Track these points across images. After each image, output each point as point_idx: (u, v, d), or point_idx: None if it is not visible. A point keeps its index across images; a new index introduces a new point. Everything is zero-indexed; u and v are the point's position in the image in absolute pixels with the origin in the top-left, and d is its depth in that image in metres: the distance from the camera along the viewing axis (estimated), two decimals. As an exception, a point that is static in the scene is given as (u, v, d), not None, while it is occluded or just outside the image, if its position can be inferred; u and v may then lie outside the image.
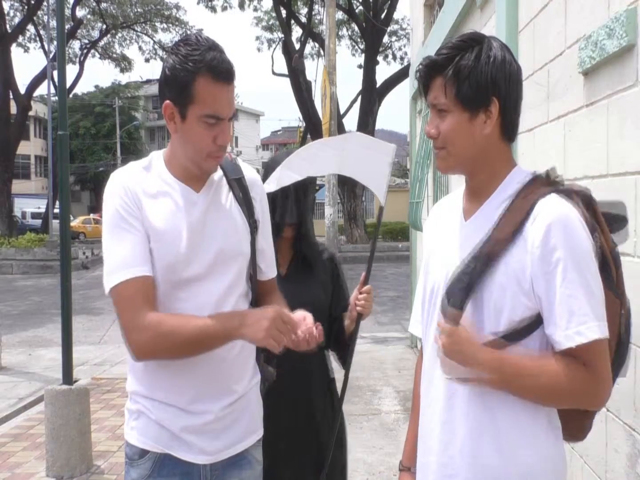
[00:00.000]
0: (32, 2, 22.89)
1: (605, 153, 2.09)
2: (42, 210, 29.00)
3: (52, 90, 21.52)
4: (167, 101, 1.46)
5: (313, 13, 23.61)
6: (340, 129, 17.11)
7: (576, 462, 2.39)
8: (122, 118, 44.00)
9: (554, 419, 1.31)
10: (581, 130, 2.31)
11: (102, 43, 29.66)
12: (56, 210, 18.49)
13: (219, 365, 1.54)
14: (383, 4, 22.28)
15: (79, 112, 45.42)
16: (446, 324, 1.28)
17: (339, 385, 2.24)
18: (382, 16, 22.05)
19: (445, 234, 1.43)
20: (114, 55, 30.39)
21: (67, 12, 23.31)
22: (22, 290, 13.70)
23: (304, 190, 2.19)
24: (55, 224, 19.60)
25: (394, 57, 28.80)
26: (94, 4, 26.92)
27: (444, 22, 5.16)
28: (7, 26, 22.60)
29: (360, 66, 24.40)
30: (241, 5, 24.74)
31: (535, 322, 1.26)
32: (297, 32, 25.23)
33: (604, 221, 1.31)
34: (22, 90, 22.96)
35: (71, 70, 40.55)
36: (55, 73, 6.41)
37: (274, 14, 24.73)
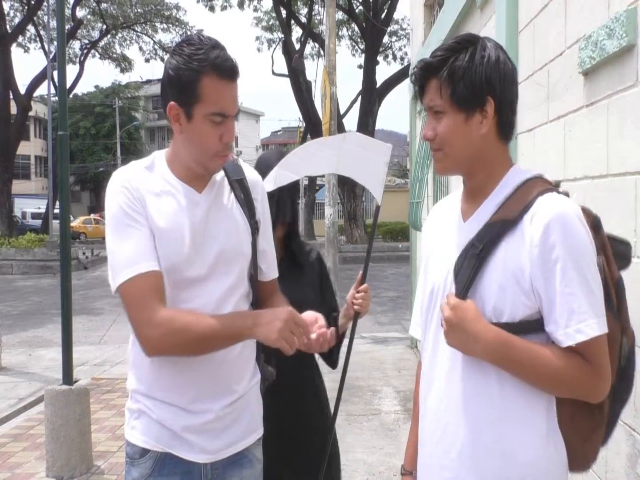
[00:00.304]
0: (32, 2, 22.89)
1: (605, 153, 2.09)
2: (42, 210, 29.00)
3: (52, 90, 21.52)
4: (172, 102, 1.46)
5: (313, 13, 23.62)
6: (340, 129, 17.10)
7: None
8: (122, 118, 44.00)
9: (552, 420, 1.30)
10: (581, 130, 2.31)
11: (102, 43, 29.67)
12: (56, 211, 18.49)
13: (219, 365, 1.55)
14: (383, 4, 22.28)
15: (79, 112, 45.43)
16: (454, 297, 1.28)
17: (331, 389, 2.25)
18: (382, 16, 22.05)
19: (443, 235, 1.44)
20: (114, 56, 30.39)
21: (67, 12, 23.31)
22: (22, 291, 13.69)
23: (297, 190, 2.23)
24: (55, 224, 19.61)
25: (394, 57, 28.82)
26: (94, 4, 26.92)
27: (444, 22, 5.16)
28: (7, 26, 22.59)
29: (360, 66, 24.41)
30: (240, 5, 24.75)
31: (537, 322, 1.26)
32: (297, 32, 25.26)
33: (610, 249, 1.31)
34: (22, 90, 22.96)
35: (71, 71, 40.63)
36: (55, 73, 6.42)
37: (274, 14, 24.73)
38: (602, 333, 1.21)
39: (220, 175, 1.62)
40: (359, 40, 27.34)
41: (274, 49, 27.53)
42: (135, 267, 1.43)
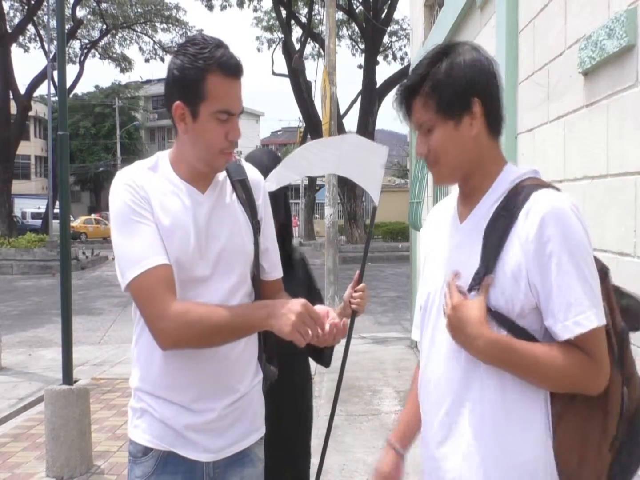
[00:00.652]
0: (32, 2, 22.89)
1: (605, 153, 2.09)
2: (42, 210, 29.00)
3: (52, 90, 21.51)
4: (178, 101, 1.47)
5: (313, 13, 23.63)
6: (340, 129, 17.11)
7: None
8: (122, 118, 44.01)
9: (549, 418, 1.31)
10: (581, 130, 2.31)
11: (102, 43, 29.68)
12: (56, 211, 18.50)
13: (222, 363, 1.56)
14: (383, 4, 22.27)
15: (79, 112, 45.45)
16: (456, 295, 1.28)
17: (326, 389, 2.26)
18: (382, 16, 22.04)
19: (441, 237, 1.44)
20: (114, 55, 30.40)
21: (67, 12, 23.30)
22: (22, 291, 13.70)
23: (288, 189, 2.27)
24: (55, 224, 19.60)
25: (394, 57, 28.85)
26: (94, 4, 26.93)
27: (444, 22, 5.16)
28: (7, 26, 22.59)
29: (360, 66, 24.42)
30: (240, 4, 24.74)
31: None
32: (297, 32, 25.27)
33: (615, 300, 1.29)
34: (22, 90, 22.96)
35: (71, 70, 40.66)
36: (55, 73, 6.42)
37: (274, 14, 24.74)
38: (601, 325, 1.21)
39: (222, 175, 1.63)
40: (359, 40, 27.35)
41: (274, 49, 27.59)
42: (146, 261, 1.44)
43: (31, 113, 27.22)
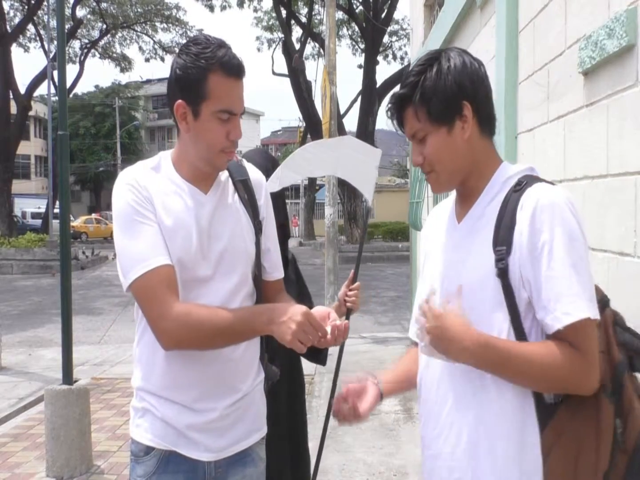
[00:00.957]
0: (32, 2, 22.88)
1: (605, 153, 2.09)
2: (42, 210, 28.99)
3: (52, 90, 21.51)
4: (179, 100, 1.48)
5: (313, 13, 23.64)
6: (341, 129, 17.10)
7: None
8: (122, 118, 44.00)
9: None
10: (581, 130, 2.31)
11: (102, 43, 29.67)
12: (56, 210, 18.49)
13: (225, 363, 1.56)
14: (383, 3, 22.27)
15: (79, 112, 45.44)
16: (432, 307, 1.27)
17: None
18: (382, 16, 22.04)
19: (440, 237, 1.45)
20: (114, 55, 30.40)
21: (67, 12, 23.30)
22: (22, 290, 13.70)
23: (285, 191, 2.31)
24: (55, 224, 19.60)
25: (394, 57, 28.85)
26: (94, 3, 26.92)
27: (444, 22, 5.16)
28: (7, 26, 22.58)
29: (360, 66, 24.42)
30: (240, 4, 24.73)
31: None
32: (297, 32, 25.27)
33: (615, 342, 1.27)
34: (22, 90, 22.95)
35: (71, 70, 40.66)
36: (55, 73, 6.42)
37: (274, 14, 24.74)
38: (592, 317, 1.20)
39: (224, 175, 1.64)
40: (359, 40, 27.35)
41: (274, 49, 27.59)
42: (148, 262, 1.45)
43: (31, 113, 27.21)
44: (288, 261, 2.27)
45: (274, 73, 26.46)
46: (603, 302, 1.28)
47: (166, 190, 1.54)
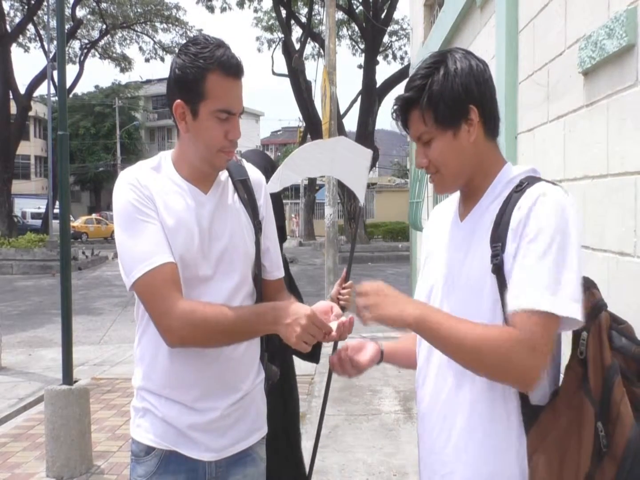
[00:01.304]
0: (32, 2, 22.89)
1: (605, 153, 2.09)
2: (42, 210, 28.99)
3: (52, 90, 21.49)
4: (178, 100, 1.49)
5: (313, 13, 23.62)
6: (340, 129, 17.11)
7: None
8: (122, 118, 43.98)
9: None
10: (581, 130, 2.31)
11: (102, 43, 29.68)
12: (56, 211, 18.49)
13: (226, 363, 1.57)
14: (383, 3, 22.27)
15: (79, 112, 45.42)
16: (371, 284, 1.31)
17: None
18: (382, 16, 22.04)
19: (442, 236, 1.46)
20: (114, 55, 30.41)
21: (67, 12, 23.32)
22: (22, 291, 13.69)
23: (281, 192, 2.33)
24: (55, 224, 19.60)
25: (394, 57, 28.86)
26: (94, 4, 26.93)
27: (444, 22, 5.17)
28: (7, 26, 22.58)
29: (360, 66, 24.41)
30: (240, 4, 24.73)
31: None
32: (297, 32, 25.27)
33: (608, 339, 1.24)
34: (22, 90, 22.96)
35: (71, 70, 40.71)
36: (55, 73, 6.42)
37: (273, 14, 24.74)
38: (551, 312, 1.17)
39: (224, 175, 1.65)
40: (359, 40, 27.35)
41: (274, 49, 27.59)
42: (152, 260, 1.45)
43: (31, 113, 27.24)
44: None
45: (274, 73, 26.47)
46: (598, 306, 1.26)
47: (167, 190, 1.55)
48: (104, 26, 28.09)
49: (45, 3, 22.20)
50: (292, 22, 23.25)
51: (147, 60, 31.35)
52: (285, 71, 22.51)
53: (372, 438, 4.45)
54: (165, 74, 1.56)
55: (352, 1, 22.95)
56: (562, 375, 1.33)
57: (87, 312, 10.70)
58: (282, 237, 2.31)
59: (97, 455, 4.18)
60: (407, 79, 1.44)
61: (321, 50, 23.31)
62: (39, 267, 17.16)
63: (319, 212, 30.00)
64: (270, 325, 1.44)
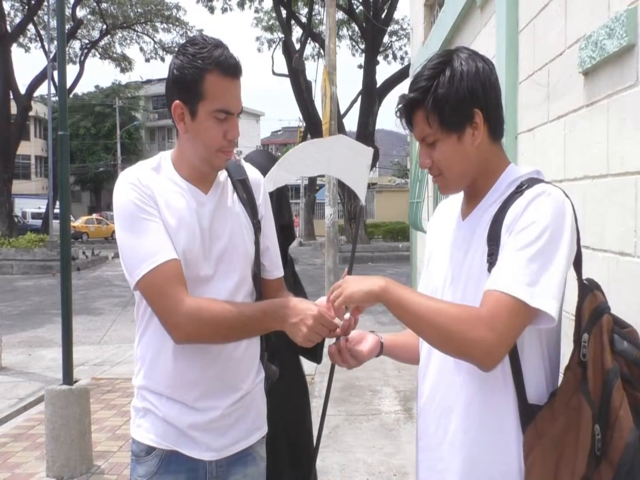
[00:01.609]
0: (33, 2, 22.88)
1: (605, 153, 2.09)
2: (43, 210, 28.99)
3: (52, 90, 21.49)
4: (177, 101, 1.49)
5: (313, 13, 23.60)
6: (341, 129, 17.09)
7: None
8: (122, 118, 43.97)
9: None
10: (581, 130, 2.31)
11: (102, 43, 29.67)
12: (56, 211, 18.49)
13: (226, 362, 1.57)
14: (383, 3, 22.27)
15: (79, 112, 45.42)
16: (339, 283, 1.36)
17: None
18: (383, 16, 22.04)
19: (444, 234, 1.46)
20: (114, 55, 30.40)
21: (68, 12, 23.30)
22: (22, 291, 13.69)
23: (288, 190, 2.38)
24: (55, 224, 19.59)
25: (394, 57, 28.85)
26: (94, 4, 26.93)
27: (444, 21, 5.16)
28: (8, 26, 22.58)
29: (360, 66, 24.40)
30: (241, 5, 24.73)
31: None
32: (297, 32, 25.26)
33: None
34: (23, 90, 22.96)
35: (71, 70, 40.67)
36: (55, 73, 6.42)
37: (274, 14, 24.73)
38: (518, 298, 1.17)
39: (223, 175, 1.65)
40: (359, 40, 27.34)
41: (274, 49, 27.59)
42: (156, 257, 1.45)
43: (31, 113, 27.21)
44: (287, 262, 2.29)
45: (274, 73, 26.46)
46: (600, 308, 1.25)
47: (168, 190, 1.55)
48: (104, 26, 28.09)
49: (45, 3, 22.21)
50: (292, 22, 23.24)
51: (147, 60, 31.41)
52: (286, 71, 22.51)
53: (372, 438, 4.45)
54: (166, 74, 1.56)
55: (352, 1, 22.95)
56: (561, 376, 1.33)
57: (87, 312, 10.70)
58: (290, 235, 2.32)
59: (97, 455, 4.18)
60: (407, 79, 1.44)
61: (321, 50, 23.33)
62: (39, 267, 17.16)
63: (319, 212, 30.02)
64: (276, 323, 1.45)
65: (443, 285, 1.39)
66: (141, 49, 30.73)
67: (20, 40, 25.56)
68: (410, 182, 7.50)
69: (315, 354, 2.24)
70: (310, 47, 27.76)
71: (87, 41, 29.51)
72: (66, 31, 5.24)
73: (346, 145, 2.25)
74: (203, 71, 1.45)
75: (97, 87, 48.85)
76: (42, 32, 25.54)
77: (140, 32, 30.08)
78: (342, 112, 23.44)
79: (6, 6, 23.75)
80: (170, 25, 29.45)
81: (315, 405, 5.10)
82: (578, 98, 2.33)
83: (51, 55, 20.93)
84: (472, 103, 1.30)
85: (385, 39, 25.56)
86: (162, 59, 30.59)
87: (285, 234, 2.32)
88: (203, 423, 1.55)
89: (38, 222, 28.45)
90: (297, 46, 22.66)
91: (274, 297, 1.68)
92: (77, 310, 9.05)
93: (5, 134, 21.38)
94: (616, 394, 1.19)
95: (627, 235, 1.91)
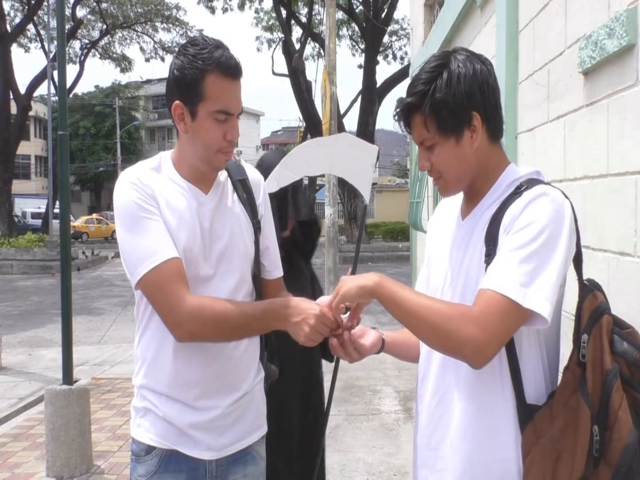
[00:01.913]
0: (32, 2, 22.88)
1: (605, 153, 2.09)
2: (43, 210, 28.98)
3: (52, 90, 21.49)
4: (177, 101, 1.49)
5: (313, 13, 23.61)
6: (341, 129, 17.09)
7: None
8: (122, 118, 43.95)
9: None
10: (581, 130, 2.31)
11: (102, 43, 29.67)
12: (56, 211, 18.48)
13: (227, 362, 1.58)
14: (383, 3, 22.27)
15: (79, 112, 45.39)
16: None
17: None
18: (382, 16, 22.04)
19: (444, 234, 1.47)
20: (114, 55, 30.40)
21: (68, 12, 23.31)
22: (22, 290, 13.69)
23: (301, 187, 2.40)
24: (55, 224, 19.59)
25: (394, 57, 28.84)
26: (94, 4, 26.93)
27: (444, 21, 5.16)
28: (8, 26, 22.58)
29: (360, 66, 24.40)
30: (241, 6, 24.73)
31: None
32: (297, 32, 25.25)
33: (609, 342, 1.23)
34: (22, 90, 22.96)
35: (71, 70, 40.69)
36: (55, 73, 6.42)
37: (274, 14, 24.72)
38: (509, 297, 1.17)
39: (223, 175, 1.65)
40: (359, 40, 27.33)
41: (274, 49, 27.54)
42: (157, 256, 1.45)
43: (31, 113, 27.23)
44: (307, 260, 2.36)
45: (274, 73, 26.44)
46: (600, 309, 1.25)
47: (168, 190, 1.55)
48: (104, 26, 28.09)
49: (45, 3, 22.21)
50: (292, 22, 23.23)
51: (147, 60, 31.39)
52: (286, 71, 22.50)
53: (372, 438, 4.46)
54: (166, 74, 1.56)
55: (352, 1, 22.95)
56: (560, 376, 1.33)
57: (87, 312, 10.70)
58: (311, 231, 2.33)
59: (97, 455, 4.18)
60: (407, 79, 1.44)
61: (321, 50, 23.32)
62: (39, 267, 17.16)
63: (319, 212, 30.00)
64: (278, 322, 1.46)
65: (443, 284, 1.40)
66: (141, 49, 30.75)
67: (20, 40, 25.57)
68: (410, 182, 7.50)
69: (325, 352, 2.25)
70: (310, 47, 27.79)
71: (87, 41, 29.52)
72: (66, 31, 5.24)
73: (350, 144, 2.23)
74: (203, 72, 1.45)
75: (97, 87, 48.82)
76: (42, 32, 25.55)
77: (140, 32, 30.08)
78: (342, 112, 23.43)
79: (6, 6, 23.78)
80: (170, 25, 29.45)
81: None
82: (578, 98, 2.33)
83: (51, 55, 20.93)
84: (470, 106, 1.30)
85: (385, 38, 25.58)
86: (162, 59, 30.59)
87: (304, 230, 2.32)
88: (203, 422, 1.55)
89: (38, 222, 28.44)
90: (297, 46, 22.66)
91: (273, 297, 1.68)
92: (77, 310, 9.05)
93: (5, 134, 21.39)
94: (615, 394, 1.18)
95: (627, 235, 1.91)
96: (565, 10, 2.47)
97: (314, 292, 2.34)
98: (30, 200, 37.56)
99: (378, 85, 22.01)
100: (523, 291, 1.18)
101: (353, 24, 25.89)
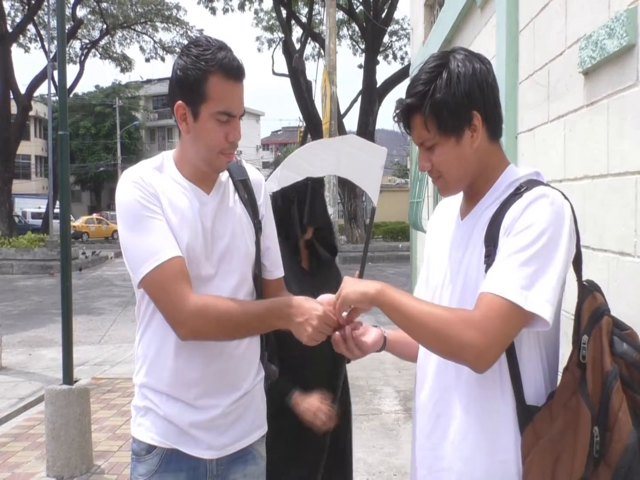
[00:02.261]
0: (33, 2, 22.89)
1: (605, 153, 2.09)
2: (43, 210, 28.98)
3: (53, 90, 21.49)
4: (179, 101, 1.50)
5: (313, 13, 23.63)
6: (341, 129, 17.11)
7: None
8: (122, 118, 43.94)
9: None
10: (581, 130, 2.31)
11: (102, 43, 29.68)
12: (56, 210, 18.49)
13: (228, 361, 1.58)
14: (383, 3, 22.28)
15: (79, 112, 45.39)
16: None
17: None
18: (383, 16, 22.05)
19: (444, 233, 1.47)
20: (114, 55, 30.40)
21: (68, 12, 23.31)
22: (23, 290, 13.69)
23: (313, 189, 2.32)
24: (55, 223, 19.59)
25: (395, 57, 28.84)
26: (94, 3, 26.94)
27: (444, 21, 5.16)
28: (8, 26, 22.58)
29: (360, 66, 24.41)
30: (241, 7, 24.74)
31: None
32: (297, 32, 25.27)
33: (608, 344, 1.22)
34: (23, 90, 22.96)
35: (71, 70, 40.62)
36: (55, 73, 6.42)
37: (274, 14, 24.73)
38: (509, 300, 1.17)
39: (225, 175, 1.66)
40: (359, 40, 27.34)
41: (274, 49, 27.56)
42: (160, 254, 1.46)
43: (31, 113, 27.22)
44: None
45: (274, 73, 26.45)
46: (600, 310, 1.25)
47: (171, 189, 1.56)
48: (105, 26, 28.09)
49: (45, 3, 22.21)
50: (293, 22, 23.25)
51: (147, 60, 31.43)
52: (286, 71, 22.51)
53: (372, 438, 4.46)
54: (166, 73, 1.58)
55: (353, 1, 22.96)
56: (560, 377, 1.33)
57: (87, 312, 10.70)
58: (324, 237, 2.30)
59: (97, 455, 4.18)
60: (407, 79, 1.43)
61: (321, 50, 23.31)
62: (39, 267, 17.16)
63: (319, 212, 29.92)
64: (281, 322, 1.47)
65: (442, 284, 1.40)
66: (141, 49, 30.74)
67: (20, 40, 25.57)
68: (410, 182, 7.50)
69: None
70: (310, 47, 27.80)
71: (87, 41, 29.53)
72: (66, 31, 5.24)
73: (357, 146, 2.21)
74: (206, 73, 1.45)
75: (97, 87, 48.83)
76: (42, 32, 25.55)
77: (140, 31, 30.08)
78: (342, 112, 23.43)
79: (6, 6, 23.77)
80: (171, 25, 29.45)
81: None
82: (578, 98, 2.33)
83: (51, 55, 20.93)
84: (470, 106, 1.30)
85: (385, 38, 25.58)
86: (162, 59, 30.56)
87: (319, 236, 2.26)
88: (204, 421, 1.56)
89: (38, 222, 28.43)
90: (297, 46, 22.67)
91: (274, 297, 1.68)
92: (77, 310, 9.05)
93: (6, 134, 21.39)
94: (615, 396, 1.18)
95: (627, 235, 1.91)
96: (566, 10, 2.47)
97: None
98: (30, 200, 37.57)
99: (378, 85, 22.02)
100: (524, 294, 1.18)
101: (353, 24, 25.90)
